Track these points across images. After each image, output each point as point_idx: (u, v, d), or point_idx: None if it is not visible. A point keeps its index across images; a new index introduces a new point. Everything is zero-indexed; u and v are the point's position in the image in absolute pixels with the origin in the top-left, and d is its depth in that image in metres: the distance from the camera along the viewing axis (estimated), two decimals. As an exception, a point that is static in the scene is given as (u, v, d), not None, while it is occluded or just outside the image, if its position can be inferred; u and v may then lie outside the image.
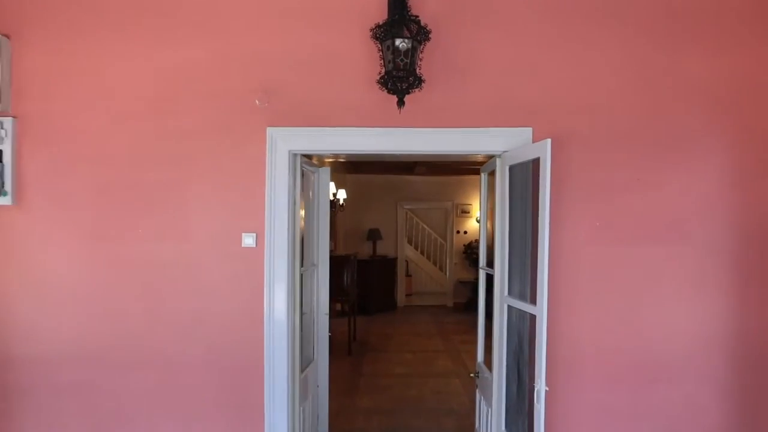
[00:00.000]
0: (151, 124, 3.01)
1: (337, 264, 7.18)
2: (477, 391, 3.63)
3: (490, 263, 3.47)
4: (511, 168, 2.99)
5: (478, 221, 11.31)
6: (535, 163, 2.68)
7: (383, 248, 11.29)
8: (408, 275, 12.00)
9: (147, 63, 3.00)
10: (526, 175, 2.89)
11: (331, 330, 4.09)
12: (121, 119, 3.01)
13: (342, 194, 9.16)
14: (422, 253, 12.27)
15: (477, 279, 3.87)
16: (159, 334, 3.04)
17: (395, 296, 11.48)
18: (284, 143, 3.01)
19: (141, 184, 3.02)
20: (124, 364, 3.05)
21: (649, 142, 2.95)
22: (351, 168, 10.18)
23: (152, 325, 3.04)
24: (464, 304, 11.15)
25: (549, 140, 2.55)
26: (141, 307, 3.04)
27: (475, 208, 11.57)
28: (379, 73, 2.84)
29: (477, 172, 3.76)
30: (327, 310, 4.00)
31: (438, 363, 7.22)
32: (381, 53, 2.80)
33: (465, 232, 11.76)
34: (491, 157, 3.24)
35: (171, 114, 3.01)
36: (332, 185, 8.25)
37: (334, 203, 8.86)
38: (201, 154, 3.01)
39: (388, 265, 11.16)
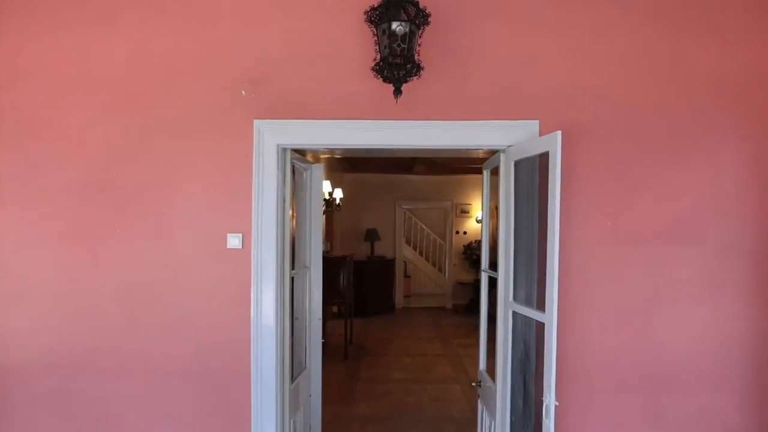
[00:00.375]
0: (131, 117, 2.82)
1: (333, 265, 7.00)
2: (479, 401, 3.42)
3: (491, 265, 3.27)
4: (517, 163, 2.79)
5: (478, 221, 11.13)
6: (543, 158, 2.49)
7: (381, 249, 11.11)
8: (406, 276, 11.84)
9: (126, 53, 2.81)
10: (532, 172, 2.69)
11: (326, 334, 3.90)
12: (99, 113, 2.82)
13: (338, 193, 8.96)
14: (421, 253, 12.11)
15: (477, 280, 3.67)
16: (140, 338, 2.86)
17: (393, 298, 11.31)
18: (272, 137, 2.80)
19: (120, 180, 2.83)
20: (104, 369, 2.87)
21: (660, 137, 2.79)
22: (348, 167, 10.00)
23: (133, 328, 2.86)
24: (464, 305, 10.98)
25: (559, 132, 2.35)
26: (120, 309, 2.85)
27: (475, 208, 11.40)
28: (374, 60, 2.63)
29: (477, 171, 3.56)
30: (320, 315, 3.79)
31: (437, 368, 7.01)
32: (376, 38, 2.60)
33: (464, 233, 11.61)
34: (494, 152, 3.03)
35: (152, 107, 2.82)
36: (328, 184, 8.05)
37: (330, 203, 8.66)
38: (184, 149, 2.82)
39: (386, 266, 11.00)
